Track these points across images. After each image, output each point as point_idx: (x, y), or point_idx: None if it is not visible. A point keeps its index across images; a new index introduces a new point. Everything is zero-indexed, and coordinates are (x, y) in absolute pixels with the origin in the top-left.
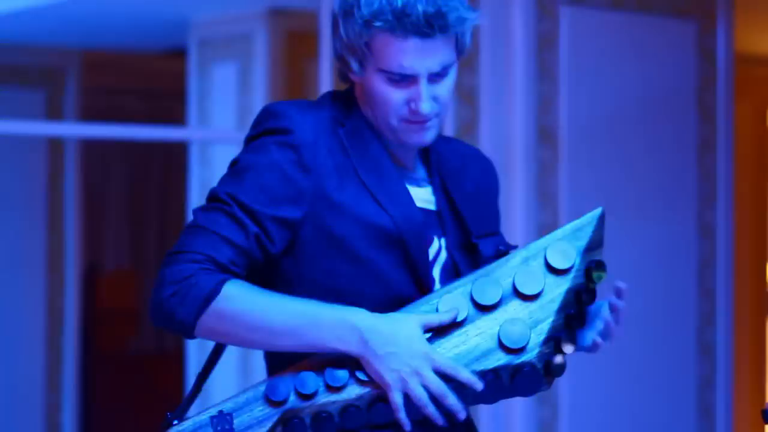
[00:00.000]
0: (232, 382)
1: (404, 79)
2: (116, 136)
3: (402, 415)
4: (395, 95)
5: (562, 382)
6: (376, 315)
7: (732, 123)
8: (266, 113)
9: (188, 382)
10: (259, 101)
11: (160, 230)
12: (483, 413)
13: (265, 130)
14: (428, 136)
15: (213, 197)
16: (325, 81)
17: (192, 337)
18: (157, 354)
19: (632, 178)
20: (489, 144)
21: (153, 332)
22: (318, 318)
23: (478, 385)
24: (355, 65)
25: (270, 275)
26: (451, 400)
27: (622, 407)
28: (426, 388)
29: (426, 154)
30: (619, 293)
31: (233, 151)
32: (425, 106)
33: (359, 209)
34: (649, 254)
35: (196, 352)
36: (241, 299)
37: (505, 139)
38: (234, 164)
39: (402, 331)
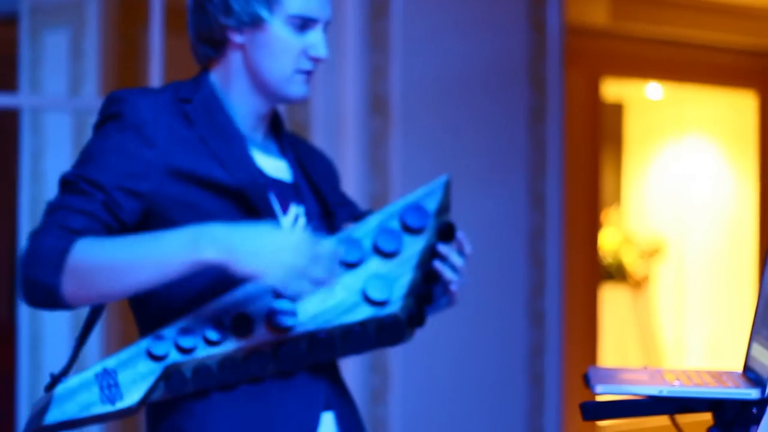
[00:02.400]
0: (64, 347)
1: (307, 26)
2: None
3: (296, 286)
4: (296, 43)
5: (393, 350)
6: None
7: (563, 93)
8: (108, 100)
9: (20, 352)
10: (91, 68)
11: None
12: None
13: (107, 115)
14: (309, 90)
15: (62, 182)
16: (156, 49)
17: (64, 301)
18: None
19: (464, 147)
20: (321, 113)
21: None
22: (167, 237)
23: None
24: (263, 12)
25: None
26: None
27: (453, 375)
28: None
29: (276, 133)
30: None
31: (65, 118)
32: (325, 50)
33: (207, 174)
34: (480, 223)
35: (27, 321)
36: (95, 246)
37: (336, 108)
38: (82, 152)
39: (263, 230)
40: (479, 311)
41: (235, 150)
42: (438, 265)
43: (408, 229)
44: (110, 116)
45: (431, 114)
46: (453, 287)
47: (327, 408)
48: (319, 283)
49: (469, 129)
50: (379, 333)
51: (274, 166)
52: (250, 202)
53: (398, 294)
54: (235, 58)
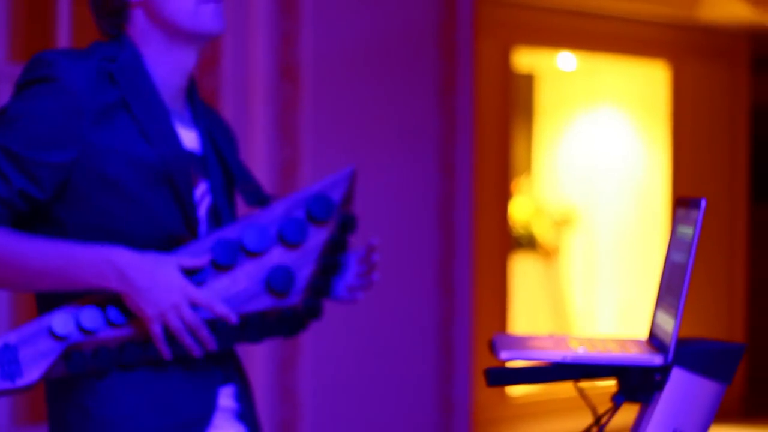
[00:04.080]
0: None
1: None
2: None
3: (162, 345)
4: None
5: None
6: (136, 252)
7: (473, 62)
8: (37, 62)
9: None
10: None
11: None
12: None
13: (36, 78)
14: (223, 23)
15: None
16: (64, 15)
17: None
18: None
19: (374, 115)
20: (230, 81)
21: None
22: (78, 257)
23: (232, 318)
24: None
25: (42, 219)
26: (204, 332)
27: (362, 344)
28: (183, 320)
29: (190, 98)
30: (372, 248)
31: None
32: None
33: (130, 149)
34: (389, 192)
35: None
36: (9, 243)
37: (246, 75)
38: (4, 113)
39: (160, 268)
40: (388, 280)
41: (159, 120)
42: (341, 257)
43: (313, 220)
44: (41, 79)
45: (341, 81)
46: (359, 291)
47: (227, 382)
48: (190, 325)
49: (380, 97)
50: (277, 323)
51: (188, 137)
52: (173, 179)
53: (299, 286)
54: (140, 18)
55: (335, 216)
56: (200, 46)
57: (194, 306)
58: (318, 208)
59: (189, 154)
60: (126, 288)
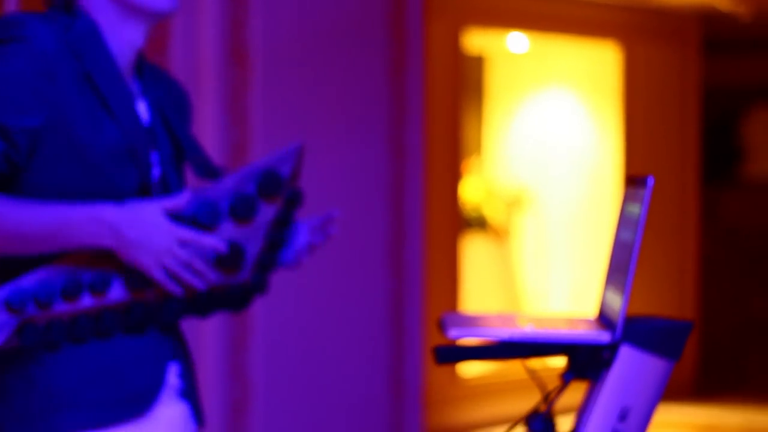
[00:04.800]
0: None
1: None
2: None
3: (171, 285)
4: None
5: (256, 300)
6: (121, 206)
7: (423, 44)
8: (4, 22)
9: None
10: None
11: None
12: None
13: (5, 38)
14: (175, 1)
15: None
16: None
17: None
18: None
19: (324, 97)
20: (180, 63)
21: None
22: (70, 218)
23: (222, 246)
24: None
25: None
26: (200, 265)
27: (314, 325)
28: (178, 260)
29: (139, 69)
30: (331, 220)
31: None
32: None
33: (94, 119)
34: (340, 174)
35: None
36: (2, 208)
37: (196, 58)
38: None
39: (147, 215)
40: (339, 261)
41: (120, 94)
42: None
43: (263, 195)
44: (11, 38)
45: (291, 64)
46: (304, 255)
47: (173, 358)
48: (191, 271)
49: (330, 79)
50: (224, 298)
51: (139, 109)
52: (135, 152)
53: (249, 261)
54: None
55: (284, 191)
56: (152, 24)
57: (184, 243)
58: (268, 184)
59: (146, 129)
60: (120, 243)
